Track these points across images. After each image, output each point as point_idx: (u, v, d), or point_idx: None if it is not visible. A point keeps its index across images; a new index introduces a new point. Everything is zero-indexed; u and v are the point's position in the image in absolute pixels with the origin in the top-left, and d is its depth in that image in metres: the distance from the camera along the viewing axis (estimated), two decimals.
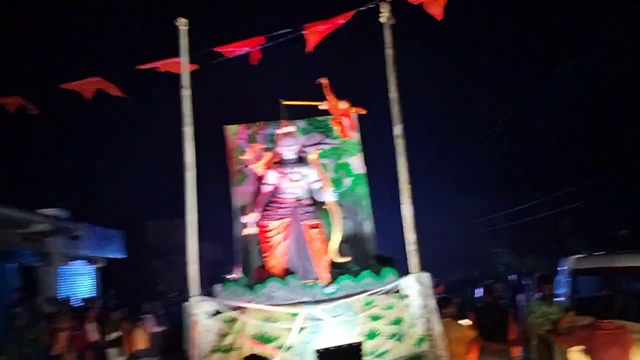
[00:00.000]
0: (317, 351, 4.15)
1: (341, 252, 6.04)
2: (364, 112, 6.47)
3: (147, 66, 5.89)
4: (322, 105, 6.27)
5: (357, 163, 6.81)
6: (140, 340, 9.38)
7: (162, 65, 5.93)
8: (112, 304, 11.44)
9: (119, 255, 15.33)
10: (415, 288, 4.96)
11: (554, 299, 6.70)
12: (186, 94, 5.30)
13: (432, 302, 4.94)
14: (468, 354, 5.88)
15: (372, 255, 6.41)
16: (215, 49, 5.76)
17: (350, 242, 6.46)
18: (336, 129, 6.45)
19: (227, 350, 5.06)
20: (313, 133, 6.82)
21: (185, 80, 5.32)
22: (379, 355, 4.85)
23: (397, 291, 5.42)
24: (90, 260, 14.38)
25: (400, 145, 5.18)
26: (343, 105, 6.26)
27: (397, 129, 5.21)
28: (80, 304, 11.51)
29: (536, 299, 6.82)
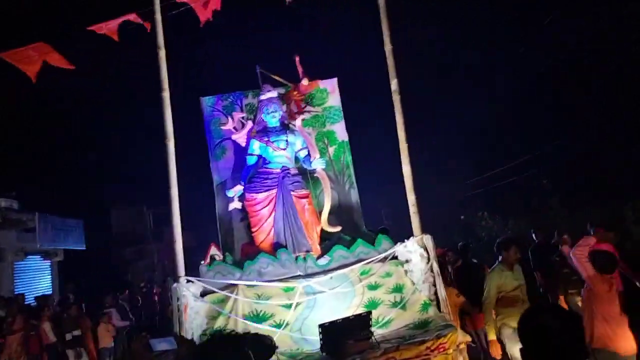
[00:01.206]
0: (321, 326, 3.85)
1: (330, 222, 5.76)
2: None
3: (97, 28, 5.10)
4: (305, 82, 6.01)
5: (340, 130, 6.52)
6: (104, 338, 8.58)
7: (111, 28, 5.13)
8: (70, 299, 10.44)
9: (79, 247, 14.40)
10: (417, 252, 4.73)
11: None
12: (162, 55, 4.81)
13: (436, 266, 4.73)
14: (458, 321, 5.72)
15: (359, 225, 6.18)
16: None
17: (336, 212, 6.19)
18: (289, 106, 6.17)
19: (219, 332, 4.69)
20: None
21: (160, 40, 4.82)
22: (383, 325, 4.59)
23: (394, 257, 5.21)
24: (48, 254, 13.45)
25: (397, 102, 4.90)
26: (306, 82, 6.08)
27: (394, 84, 4.92)
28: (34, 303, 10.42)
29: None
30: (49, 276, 13.55)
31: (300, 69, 6.12)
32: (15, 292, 11.09)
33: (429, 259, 4.75)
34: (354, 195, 6.37)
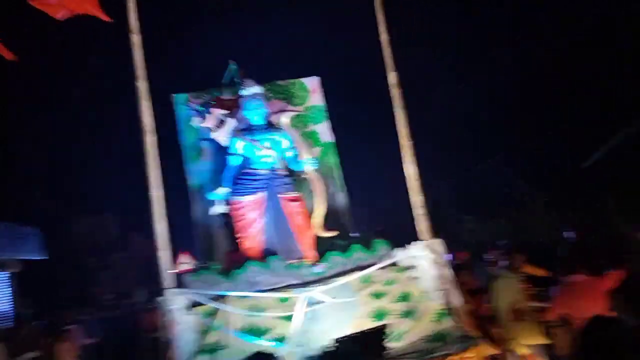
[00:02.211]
0: (338, 341, 3.52)
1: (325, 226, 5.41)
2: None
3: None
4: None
5: (324, 131, 6.20)
6: (66, 358, 7.26)
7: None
8: (25, 316, 9.28)
9: (37, 257, 13.37)
10: (427, 257, 4.43)
11: None
12: (136, 40, 4.30)
13: (448, 272, 4.44)
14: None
15: (348, 230, 5.86)
16: None
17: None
18: None
19: (213, 350, 4.27)
20: (274, 100, 6.09)
21: (134, 23, 4.31)
22: (396, 338, 4.26)
23: (395, 264, 4.91)
24: (3, 265, 12.38)
25: (396, 96, 4.57)
26: None
27: (392, 77, 4.58)
28: None
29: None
30: (9, 289, 12.48)
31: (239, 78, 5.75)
32: None
33: (440, 265, 4.45)
34: (342, 199, 6.05)
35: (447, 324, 4.37)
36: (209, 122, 5.56)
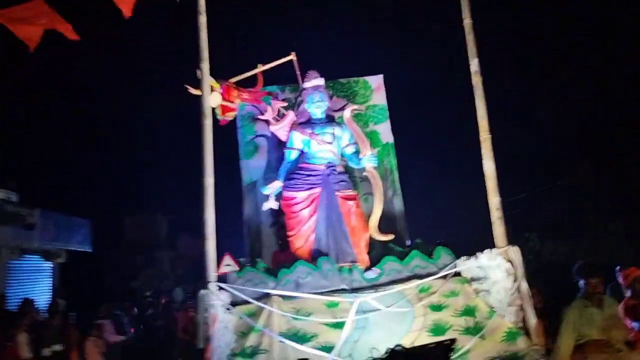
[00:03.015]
0: (393, 351, 3.07)
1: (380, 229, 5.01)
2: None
3: None
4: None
5: (385, 131, 5.89)
6: (91, 355, 6.92)
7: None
8: (58, 306, 8.98)
9: (84, 249, 13.49)
10: (502, 267, 3.94)
11: None
12: (202, 21, 4.13)
13: (525, 285, 3.93)
14: None
15: (403, 236, 5.46)
16: None
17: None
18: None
19: (253, 353, 3.92)
20: (335, 98, 5.86)
21: (202, 3, 4.14)
22: (459, 356, 3.78)
23: (458, 274, 4.44)
24: (49, 255, 12.55)
25: (478, 85, 4.17)
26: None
27: (474, 64, 4.20)
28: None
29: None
30: (50, 279, 12.60)
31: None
32: (7, 294, 10.08)
33: (515, 277, 3.94)
34: (398, 204, 5.69)
35: (521, 344, 3.83)
36: (269, 114, 5.32)
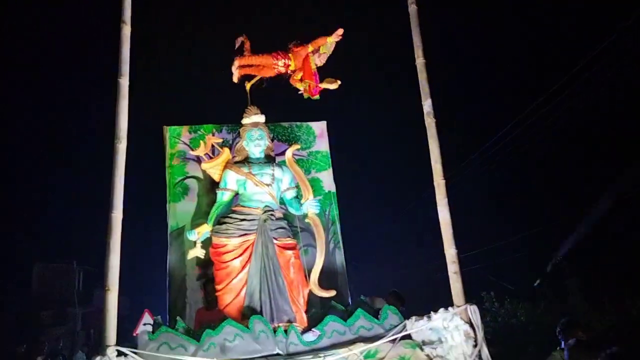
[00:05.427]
0: None
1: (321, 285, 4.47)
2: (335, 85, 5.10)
3: None
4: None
5: (327, 179, 5.54)
6: None
7: None
8: None
9: None
10: (461, 329, 3.46)
11: None
12: (126, 32, 3.59)
13: (486, 350, 3.46)
14: None
15: (343, 293, 4.96)
16: None
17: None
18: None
19: None
20: (277, 142, 5.50)
21: (127, 13, 3.63)
22: None
23: (407, 337, 3.93)
24: None
25: (431, 126, 3.86)
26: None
27: (427, 105, 3.92)
28: None
29: None
30: None
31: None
32: None
33: (476, 341, 3.47)
34: (339, 257, 5.24)
35: None
36: (201, 150, 4.79)
